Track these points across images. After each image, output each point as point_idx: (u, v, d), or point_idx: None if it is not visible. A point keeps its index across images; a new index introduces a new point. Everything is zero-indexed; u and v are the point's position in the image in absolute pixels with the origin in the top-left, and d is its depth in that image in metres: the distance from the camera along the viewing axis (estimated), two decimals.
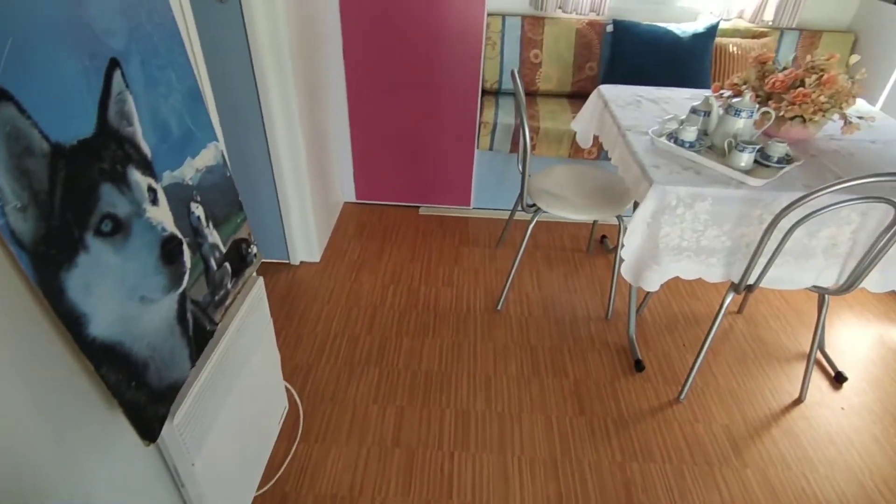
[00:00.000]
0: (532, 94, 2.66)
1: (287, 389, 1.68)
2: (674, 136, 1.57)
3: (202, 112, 1.03)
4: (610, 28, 2.48)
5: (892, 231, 1.33)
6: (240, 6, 1.65)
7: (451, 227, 2.54)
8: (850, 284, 1.48)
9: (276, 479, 1.46)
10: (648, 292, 2.09)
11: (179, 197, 0.94)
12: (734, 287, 1.55)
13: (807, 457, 1.58)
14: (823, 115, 1.52)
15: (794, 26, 2.54)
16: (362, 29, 2.19)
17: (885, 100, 2.35)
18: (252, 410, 1.26)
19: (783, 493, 1.48)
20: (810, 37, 2.54)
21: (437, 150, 2.49)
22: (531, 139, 2.36)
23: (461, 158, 2.50)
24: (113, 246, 0.77)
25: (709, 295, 2.19)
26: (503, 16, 2.50)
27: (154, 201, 0.86)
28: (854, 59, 1.58)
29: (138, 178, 0.83)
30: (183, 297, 0.94)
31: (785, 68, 1.61)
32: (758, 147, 1.45)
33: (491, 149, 2.44)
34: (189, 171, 0.98)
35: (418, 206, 2.67)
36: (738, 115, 1.51)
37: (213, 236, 1.04)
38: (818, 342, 1.69)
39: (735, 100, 1.55)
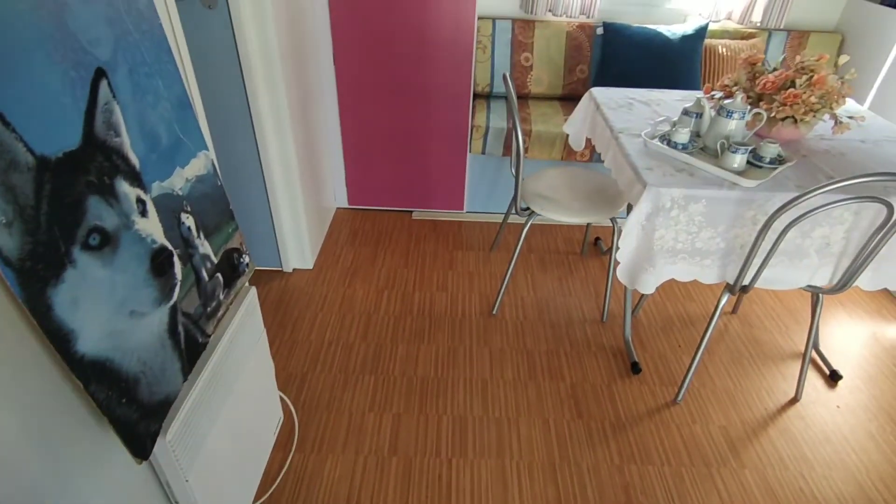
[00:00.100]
0: (523, 98, 2.66)
1: (282, 399, 1.66)
2: (666, 138, 1.58)
3: (191, 120, 1.01)
4: (600, 30, 2.49)
5: (884, 230, 1.34)
6: (228, 12, 1.63)
7: (445, 231, 2.53)
8: (844, 283, 1.49)
9: (271, 490, 1.44)
10: (643, 294, 2.09)
11: (169, 207, 0.92)
12: (729, 288, 1.55)
13: (804, 456, 1.58)
14: (814, 116, 1.53)
15: (781, 27, 2.56)
16: (352, 33, 2.18)
17: (873, 99, 2.37)
18: (246, 422, 1.24)
19: (781, 494, 1.48)
20: (798, 37, 2.56)
21: (429, 154, 2.48)
22: (524, 142, 2.35)
23: (453, 162, 2.49)
24: (101, 260, 0.75)
25: (703, 296, 2.20)
26: (493, 19, 2.50)
27: (143, 213, 0.85)
28: (843, 59, 1.59)
29: (126, 189, 0.81)
30: (174, 309, 0.92)
31: (775, 69, 1.62)
32: (750, 148, 1.45)
33: (483, 152, 2.43)
34: (179, 180, 0.96)
35: (411, 211, 2.66)
36: (730, 116, 1.51)
37: (204, 247, 1.02)
38: (813, 341, 1.69)
39: (726, 101, 1.55)
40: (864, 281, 1.52)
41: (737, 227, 1.45)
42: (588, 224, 2.43)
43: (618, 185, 1.90)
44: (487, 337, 1.95)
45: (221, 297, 1.09)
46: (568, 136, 2.29)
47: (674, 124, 1.60)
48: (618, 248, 1.50)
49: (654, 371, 1.84)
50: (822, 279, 1.53)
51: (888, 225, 1.32)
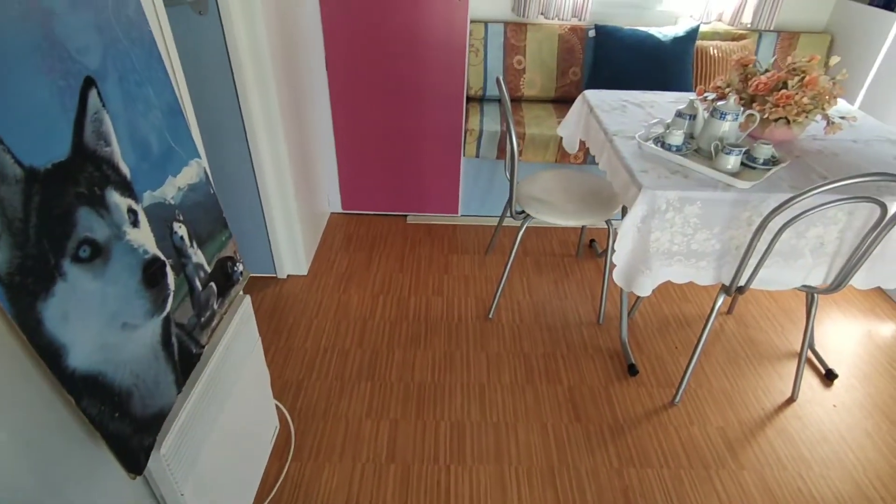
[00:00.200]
0: (516, 101, 2.66)
1: (277, 408, 1.64)
2: (660, 141, 1.58)
3: (183, 128, 1.00)
4: (592, 33, 2.50)
5: (878, 229, 1.35)
6: (219, 18, 1.62)
7: (440, 235, 2.52)
8: (838, 283, 1.49)
9: (268, 501, 1.42)
10: (639, 296, 2.09)
11: (161, 217, 0.91)
12: (725, 289, 1.55)
13: (802, 456, 1.59)
14: (806, 117, 1.53)
15: (772, 28, 2.58)
16: (345, 38, 2.17)
17: (863, 99, 2.39)
18: (242, 432, 1.23)
19: (780, 494, 1.48)
20: (788, 38, 2.58)
21: (423, 158, 2.47)
22: (518, 145, 2.35)
23: (448, 166, 2.49)
24: (92, 272, 0.74)
25: (699, 297, 2.20)
26: (486, 23, 2.50)
27: (135, 223, 0.83)
28: (834, 60, 1.60)
29: (117, 199, 0.80)
30: (167, 320, 0.90)
31: (767, 71, 1.63)
32: (744, 149, 1.45)
33: (477, 156, 2.43)
34: (171, 189, 0.95)
35: (406, 215, 2.65)
36: (724, 118, 1.51)
37: (197, 256, 1.01)
38: (808, 341, 1.70)
39: (720, 103, 1.55)
40: (858, 280, 1.53)
41: (732, 228, 1.45)
42: (583, 226, 2.43)
43: (612, 188, 1.90)
44: (484, 341, 1.94)
45: (215, 306, 1.07)
46: (562, 138, 2.29)
47: (667, 126, 1.60)
48: (614, 251, 1.50)
49: (651, 373, 1.84)
50: (816, 279, 1.53)
51: (882, 224, 1.33)
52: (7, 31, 0.63)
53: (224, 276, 1.11)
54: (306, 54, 2.17)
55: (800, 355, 1.76)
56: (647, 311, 2.11)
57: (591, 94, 1.97)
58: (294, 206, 2.05)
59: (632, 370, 1.83)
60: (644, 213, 1.43)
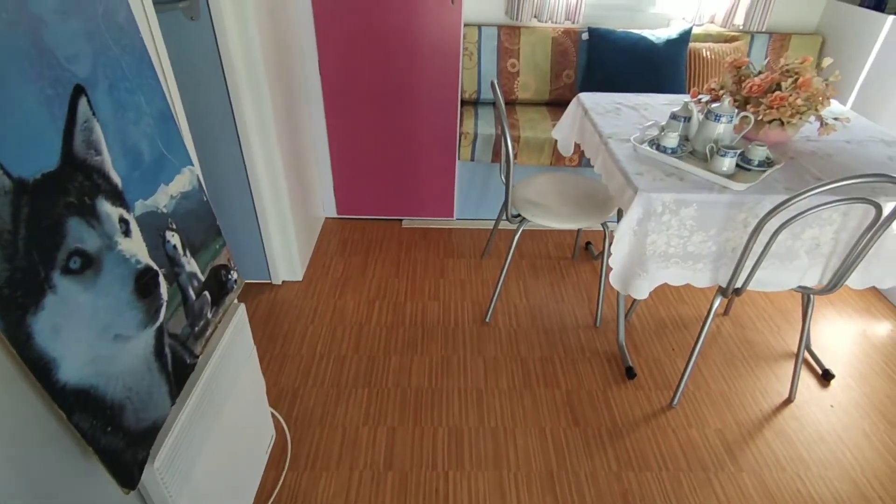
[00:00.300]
0: (511, 104, 2.66)
1: (273, 416, 1.63)
2: (655, 143, 1.58)
3: (175, 135, 0.99)
4: (585, 36, 2.50)
5: (873, 230, 1.35)
6: (211, 23, 1.61)
7: (435, 239, 2.52)
8: (834, 284, 1.49)
9: None
10: (636, 299, 2.09)
11: (154, 226, 0.90)
12: (722, 291, 1.55)
13: (800, 457, 1.59)
14: (800, 118, 1.54)
15: (763, 30, 2.59)
16: (338, 42, 2.16)
17: (855, 99, 2.40)
18: (238, 443, 1.21)
19: (779, 496, 1.48)
20: (780, 39, 2.59)
21: (417, 162, 2.46)
22: (513, 149, 2.35)
23: (442, 170, 2.48)
24: (83, 283, 0.72)
25: (695, 298, 2.20)
26: (479, 26, 2.50)
27: (126, 233, 0.82)
28: (827, 61, 1.60)
29: (108, 209, 0.79)
30: (160, 331, 0.89)
31: (760, 72, 1.63)
32: (739, 151, 1.46)
33: (472, 159, 2.42)
34: (163, 198, 0.93)
35: (401, 220, 2.64)
36: (718, 120, 1.51)
37: (190, 265, 1.00)
38: (805, 341, 1.70)
39: (714, 105, 1.56)
40: (853, 280, 1.53)
41: (728, 230, 1.45)
42: (579, 229, 2.43)
43: (608, 190, 1.90)
44: (481, 345, 1.94)
45: (209, 315, 1.06)
46: (556, 141, 2.29)
47: (662, 129, 1.60)
48: (610, 254, 1.50)
49: (648, 375, 1.84)
50: (812, 280, 1.53)
51: (877, 225, 1.33)
52: None
53: (218, 285, 1.09)
54: (299, 58, 2.16)
55: (797, 356, 1.77)
56: (643, 314, 2.11)
57: (586, 97, 1.97)
58: (288, 211, 2.04)
59: (629, 373, 1.83)
60: (640, 216, 1.43)
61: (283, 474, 1.49)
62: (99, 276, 0.75)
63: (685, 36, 2.42)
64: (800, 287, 1.55)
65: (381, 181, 2.52)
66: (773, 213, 1.31)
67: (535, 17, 2.52)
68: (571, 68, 2.56)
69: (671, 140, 1.54)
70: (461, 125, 2.40)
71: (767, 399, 1.77)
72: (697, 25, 2.59)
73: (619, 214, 1.50)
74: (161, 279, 0.89)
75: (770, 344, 1.99)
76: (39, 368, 0.66)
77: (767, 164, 1.50)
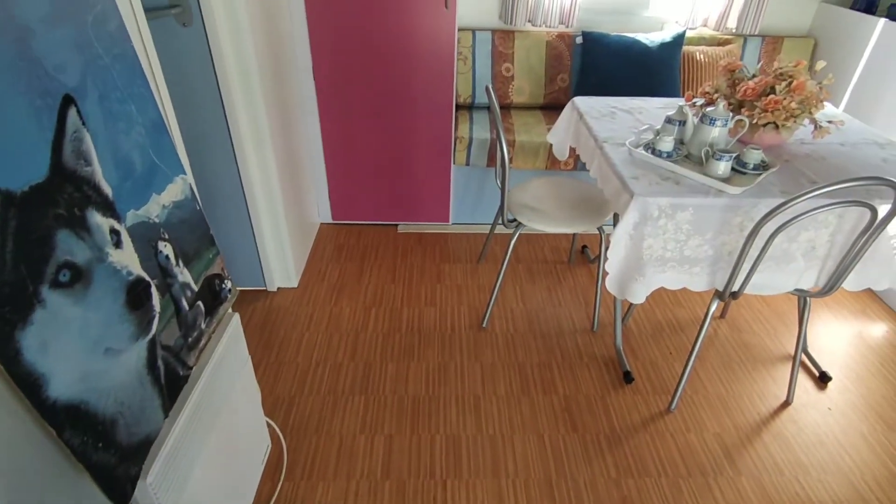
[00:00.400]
0: (506, 108, 2.65)
1: (269, 425, 1.61)
2: (651, 147, 1.57)
3: (167, 144, 0.97)
4: (579, 40, 2.50)
5: (869, 232, 1.35)
6: (204, 29, 1.59)
7: (431, 244, 2.51)
8: (831, 286, 1.49)
9: None
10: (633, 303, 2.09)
11: (145, 236, 0.89)
12: (719, 295, 1.55)
13: (799, 461, 1.58)
14: (795, 121, 1.54)
15: (756, 33, 2.60)
16: (332, 47, 2.15)
17: (848, 102, 2.41)
18: (232, 454, 1.20)
19: (779, 500, 1.47)
20: (772, 42, 2.60)
21: (413, 166, 2.46)
22: (508, 153, 2.35)
23: (438, 174, 2.48)
24: (72, 297, 0.71)
25: (692, 301, 2.20)
26: (473, 31, 2.50)
27: (117, 244, 0.81)
28: (821, 64, 1.61)
29: (99, 220, 0.77)
30: (153, 343, 0.88)
31: (754, 76, 1.63)
32: (734, 155, 1.45)
33: (467, 164, 2.42)
34: (155, 207, 0.92)
35: (396, 225, 2.63)
36: (713, 123, 1.52)
37: (183, 275, 0.98)
38: (801, 344, 1.70)
39: (709, 108, 1.56)
40: (849, 282, 1.53)
41: (724, 233, 1.45)
42: (575, 233, 2.43)
43: (603, 194, 1.90)
44: (478, 351, 1.93)
45: (203, 326, 1.05)
46: (552, 145, 2.29)
47: (657, 133, 1.60)
48: (606, 259, 1.49)
49: (646, 380, 1.83)
50: (808, 282, 1.53)
51: (872, 228, 1.33)
52: None
53: (212, 295, 1.08)
54: (293, 64, 2.15)
55: (794, 359, 1.76)
56: (640, 317, 2.11)
57: (581, 101, 1.97)
58: (283, 217, 2.03)
59: (627, 377, 1.82)
60: (636, 221, 1.42)
61: (280, 485, 1.47)
62: (89, 289, 0.74)
63: (679, 39, 2.43)
64: (796, 290, 1.55)
65: (377, 186, 2.51)
66: (769, 217, 1.31)
67: (529, 21, 2.52)
68: (566, 72, 2.56)
69: (666, 144, 1.54)
70: (456, 130, 2.40)
71: (765, 402, 1.76)
72: (691, 29, 2.60)
73: (615, 218, 1.50)
74: (153, 290, 0.88)
75: (767, 346, 1.99)
76: (28, 385, 0.64)
77: (763, 167, 1.50)
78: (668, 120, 1.61)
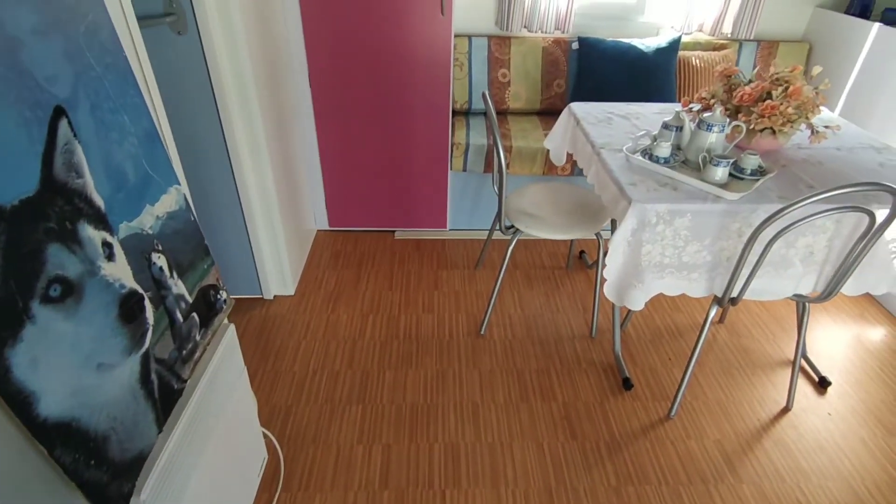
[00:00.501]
0: (502, 113, 2.65)
1: (265, 435, 1.59)
2: (648, 153, 1.57)
3: (161, 154, 0.96)
4: (575, 45, 2.50)
5: (867, 238, 1.35)
6: (199, 37, 1.59)
7: (429, 250, 2.50)
8: (829, 292, 1.49)
9: None
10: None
11: (139, 248, 0.87)
12: (718, 300, 1.54)
13: (799, 467, 1.57)
14: (792, 126, 1.54)
15: (751, 38, 2.61)
16: (328, 54, 2.15)
17: (843, 106, 2.42)
18: (228, 467, 1.18)
19: None
20: (768, 47, 2.61)
21: (410, 173, 2.45)
22: (505, 159, 2.34)
23: (435, 180, 2.47)
24: (63, 312, 0.70)
25: (690, 306, 2.20)
26: (469, 37, 2.50)
27: (110, 257, 0.79)
28: (817, 69, 1.61)
29: (91, 233, 0.76)
30: (146, 357, 0.86)
31: (750, 81, 1.64)
32: (731, 160, 1.45)
33: (464, 170, 2.41)
34: (149, 219, 0.91)
35: (393, 231, 2.62)
36: (710, 129, 1.51)
37: (177, 286, 0.97)
38: (801, 349, 1.69)
39: (706, 114, 1.56)
40: (848, 287, 1.53)
41: (722, 239, 1.45)
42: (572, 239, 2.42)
43: (601, 200, 1.89)
44: (476, 358, 1.91)
45: (198, 337, 1.03)
46: (549, 151, 2.29)
47: (654, 138, 1.60)
48: (604, 266, 1.48)
49: (645, 386, 1.82)
50: (806, 287, 1.53)
51: (871, 233, 1.33)
52: None
53: (206, 306, 1.07)
54: (289, 71, 2.15)
55: (793, 365, 1.76)
56: (639, 323, 2.10)
57: (577, 107, 1.96)
58: (280, 224, 2.02)
59: (626, 384, 1.81)
60: (634, 227, 1.42)
61: (276, 497, 1.45)
62: (81, 304, 0.73)
63: (674, 45, 2.43)
64: (795, 295, 1.55)
65: (374, 193, 2.50)
66: (767, 223, 1.31)
67: (525, 27, 2.52)
68: (562, 78, 2.56)
69: (664, 150, 1.53)
70: (453, 136, 2.39)
71: (765, 408, 1.76)
72: (686, 34, 2.61)
73: (613, 224, 1.49)
74: (146, 303, 0.87)
75: (766, 351, 1.98)
76: (18, 403, 0.63)
77: (760, 172, 1.50)
78: (665, 125, 1.61)
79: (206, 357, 1.07)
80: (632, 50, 2.42)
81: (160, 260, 0.92)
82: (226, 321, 1.17)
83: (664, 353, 1.96)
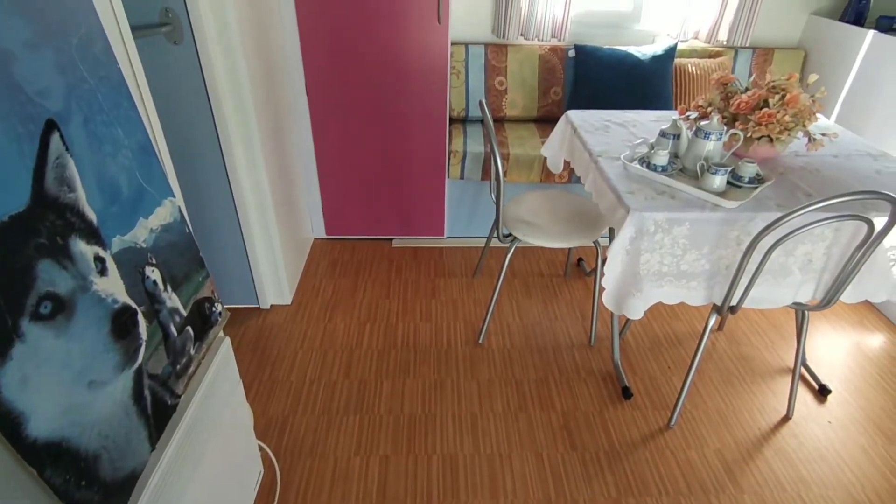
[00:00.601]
0: (499, 121, 2.65)
1: (261, 448, 1.57)
2: (645, 161, 1.57)
3: (155, 166, 0.95)
4: (572, 53, 2.51)
5: (865, 246, 1.34)
6: (195, 46, 1.58)
7: (426, 258, 2.49)
8: (829, 300, 1.48)
9: None
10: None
11: (132, 262, 0.86)
12: (717, 309, 1.54)
13: (800, 476, 1.56)
14: (789, 134, 1.54)
15: (747, 45, 2.62)
16: (324, 62, 2.15)
17: (839, 113, 2.43)
18: (223, 482, 1.16)
19: None
20: (763, 54, 2.62)
21: (407, 181, 2.44)
22: (502, 167, 2.34)
23: (432, 188, 2.46)
24: (54, 329, 0.69)
25: (689, 314, 2.19)
26: (466, 44, 2.50)
27: (102, 271, 0.78)
28: (813, 77, 1.61)
29: (83, 248, 0.75)
30: (139, 372, 0.85)
31: (747, 89, 1.64)
32: (729, 168, 1.45)
33: (462, 178, 2.41)
34: (142, 232, 0.90)
35: (391, 239, 2.61)
36: (708, 137, 1.51)
37: (171, 300, 0.96)
38: (800, 357, 1.68)
39: (703, 122, 1.55)
40: (847, 295, 1.52)
41: (721, 248, 1.44)
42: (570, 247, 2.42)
43: (598, 208, 1.89)
44: (474, 368, 1.90)
45: (192, 351, 1.02)
46: (546, 158, 2.28)
47: (652, 146, 1.60)
48: (603, 275, 1.47)
49: (645, 395, 1.81)
50: (805, 295, 1.52)
51: (869, 241, 1.33)
52: None
53: (201, 319, 1.05)
54: (285, 79, 2.14)
55: (793, 373, 1.75)
56: (638, 331, 2.09)
57: (574, 115, 1.96)
58: (276, 233, 2.00)
59: (626, 393, 1.80)
60: (632, 236, 1.41)
61: None
62: (72, 320, 0.71)
63: (670, 52, 2.44)
64: (794, 304, 1.54)
65: (370, 201, 2.49)
66: (766, 231, 1.30)
67: (521, 35, 2.53)
68: (559, 85, 2.56)
69: (661, 158, 1.53)
70: (450, 143, 2.39)
71: (765, 417, 1.75)
72: (682, 41, 2.61)
73: (611, 232, 1.49)
74: (140, 318, 0.86)
75: (765, 359, 1.97)
76: (7, 424, 0.62)
77: (758, 180, 1.49)
78: (663, 133, 1.61)
79: (201, 371, 1.05)
80: (628, 57, 2.42)
81: (154, 273, 0.91)
82: (221, 334, 1.15)
83: (663, 361, 1.95)
